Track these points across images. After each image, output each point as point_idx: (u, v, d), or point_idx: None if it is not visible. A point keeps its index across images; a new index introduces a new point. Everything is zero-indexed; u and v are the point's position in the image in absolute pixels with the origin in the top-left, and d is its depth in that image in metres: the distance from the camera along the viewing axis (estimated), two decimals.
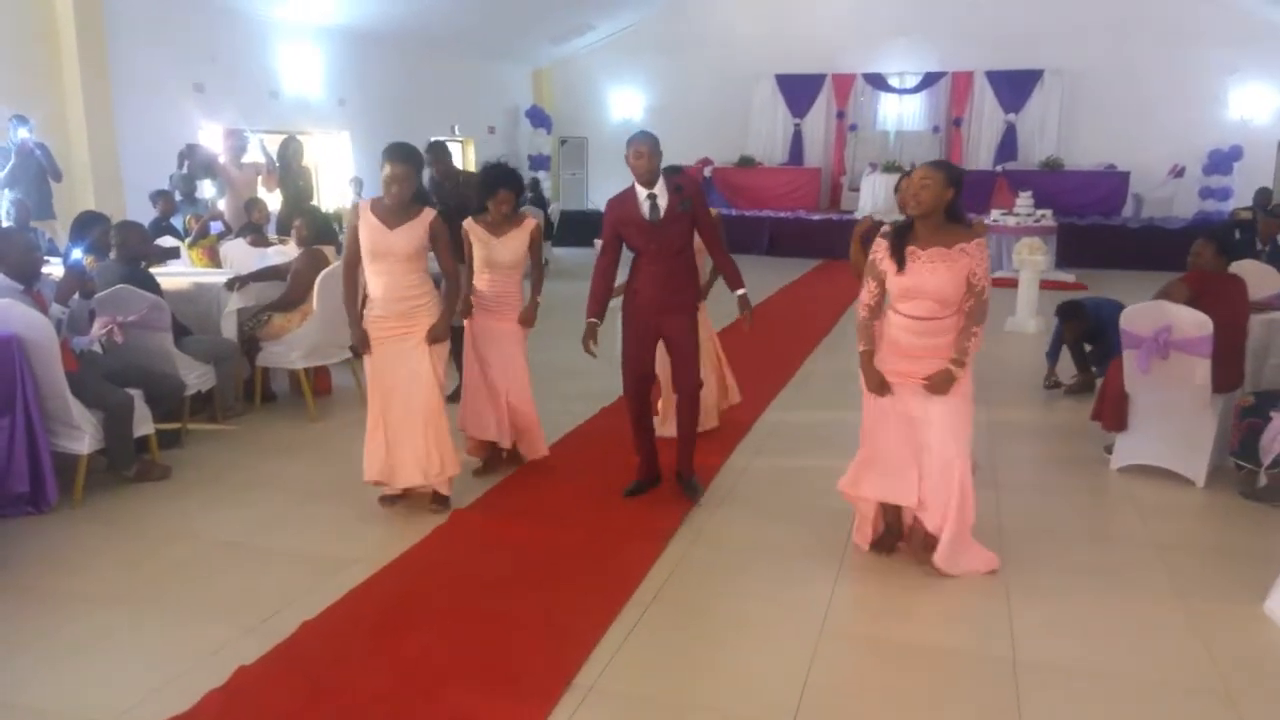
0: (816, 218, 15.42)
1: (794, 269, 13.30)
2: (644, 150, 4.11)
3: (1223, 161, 14.56)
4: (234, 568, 3.81)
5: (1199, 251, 4.92)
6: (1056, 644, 3.25)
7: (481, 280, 4.61)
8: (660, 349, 4.46)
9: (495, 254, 4.57)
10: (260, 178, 9.72)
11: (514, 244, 4.60)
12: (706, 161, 16.66)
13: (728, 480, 4.81)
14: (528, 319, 4.69)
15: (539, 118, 18.00)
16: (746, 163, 17.00)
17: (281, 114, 12.09)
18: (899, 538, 3.93)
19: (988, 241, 8.71)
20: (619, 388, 4.60)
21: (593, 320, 4.30)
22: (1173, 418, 4.74)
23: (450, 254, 4.20)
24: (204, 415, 5.68)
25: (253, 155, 10.24)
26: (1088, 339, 6.39)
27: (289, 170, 9.95)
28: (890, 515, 3.93)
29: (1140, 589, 3.66)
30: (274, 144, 9.57)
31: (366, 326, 4.15)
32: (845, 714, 2.86)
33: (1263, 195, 10.00)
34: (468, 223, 4.61)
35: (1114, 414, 4.97)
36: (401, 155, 4.00)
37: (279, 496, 4.59)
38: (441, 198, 6.03)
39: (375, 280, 4.08)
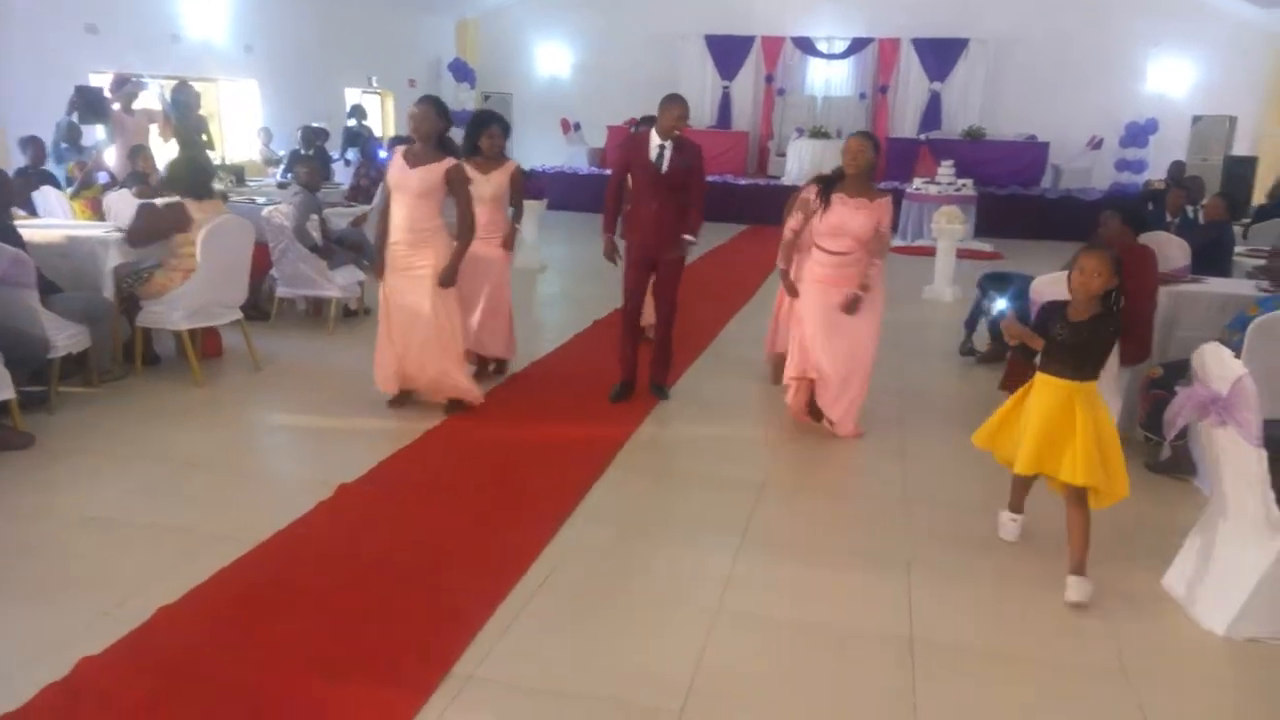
0: (743, 182, 15.27)
1: (719, 234, 13.14)
2: (678, 112, 5.02)
3: (1139, 134, 14.84)
4: (93, 546, 3.51)
5: (1105, 222, 4.89)
6: (955, 622, 3.18)
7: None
8: None
9: (481, 189, 5.28)
10: (155, 126, 9.18)
11: (497, 180, 5.42)
12: (634, 122, 16.29)
13: (632, 453, 4.65)
14: (508, 243, 5.53)
15: (462, 71, 17.44)
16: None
17: (183, 59, 11.42)
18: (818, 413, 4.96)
19: (910, 209, 8.43)
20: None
21: (608, 235, 5.29)
22: None
23: (466, 200, 4.77)
24: (79, 379, 5.29)
25: (147, 102, 9.66)
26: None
27: (185, 119, 9.41)
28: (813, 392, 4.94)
29: (1042, 564, 3.61)
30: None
31: (386, 252, 4.79)
32: (737, 699, 2.74)
33: (1177, 168, 10.16)
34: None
35: (1022, 384, 4.93)
36: (421, 99, 4.79)
37: (153, 466, 4.28)
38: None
39: (395, 211, 4.75)
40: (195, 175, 5.68)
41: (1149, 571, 3.51)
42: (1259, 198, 11.58)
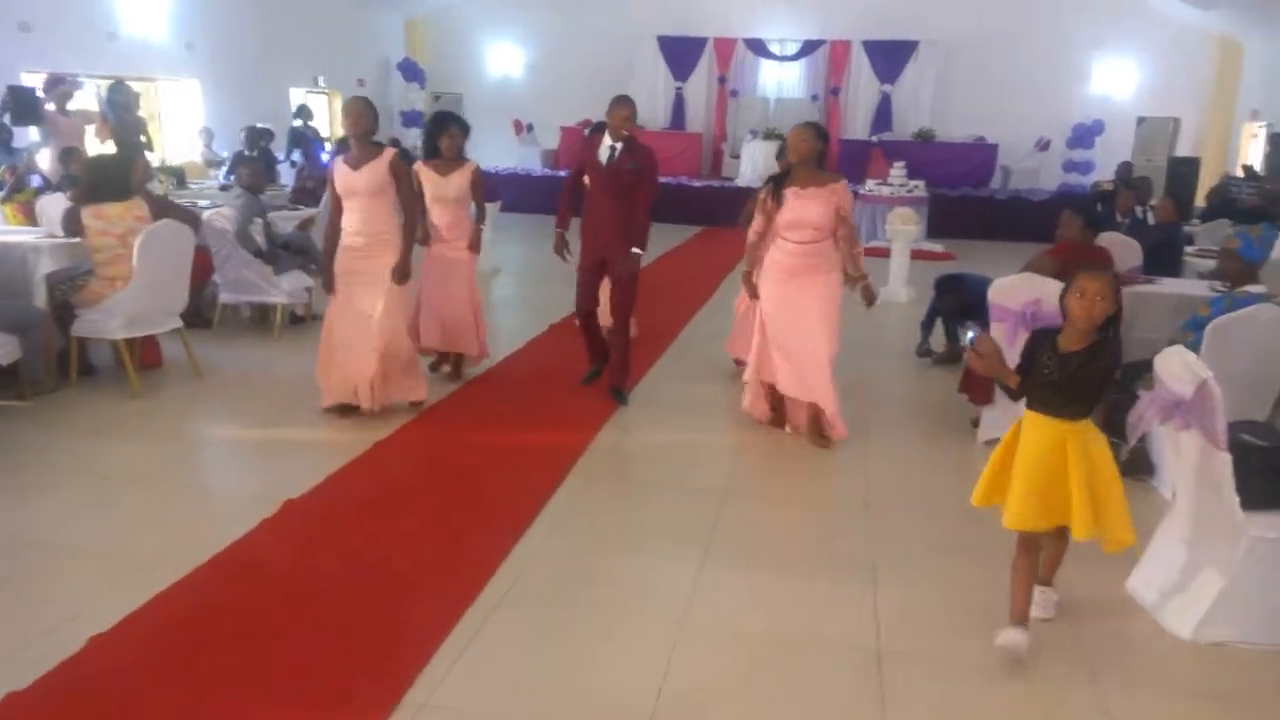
0: (698, 184, 15.22)
1: (674, 236, 13.06)
2: (624, 114, 5.10)
3: (1085, 135, 15.08)
4: (19, 570, 3.32)
5: (1066, 223, 4.90)
6: (923, 630, 3.12)
7: (433, 214, 5.33)
8: None
9: (442, 190, 5.33)
10: (92, 127, 8.87)
11: (458, 182, 5.40)
12: (587, 123, 16.15)
13: (592, 460, 4.54)
14: (474, 244, 5.53)
15: (412, 71, 17.16)
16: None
17: (121, 58, 11.05)
18: (782, 416, 4.95)
19: (864, 210, 8.42)
20: None
21: (560, 230, 5.36)
22: None
23: (410, 191, 4.83)
24: (10, 392, 5.03)
25: (83, 102, 9.34)
26: (964, 312, 6.39)
27: (122, 119, 9.10)
28: (774, 396, 4.92)
29: (1006, 568, 3.57)
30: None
31: (339, 254, 4.73)
32: (705, 717, 2.65)
33: (1125, 169, 10.32)
34: (418, 165, 5.41)
35: (981, 388, 4.92)
36: (352, 97, 4.86)
37: (86, 484, 4.07)
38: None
39: (349, 217, 4.71)
40: (95, 177, 5.31)
41: (1112, 574, 3.48)
42: (1201, 199, 11.81)
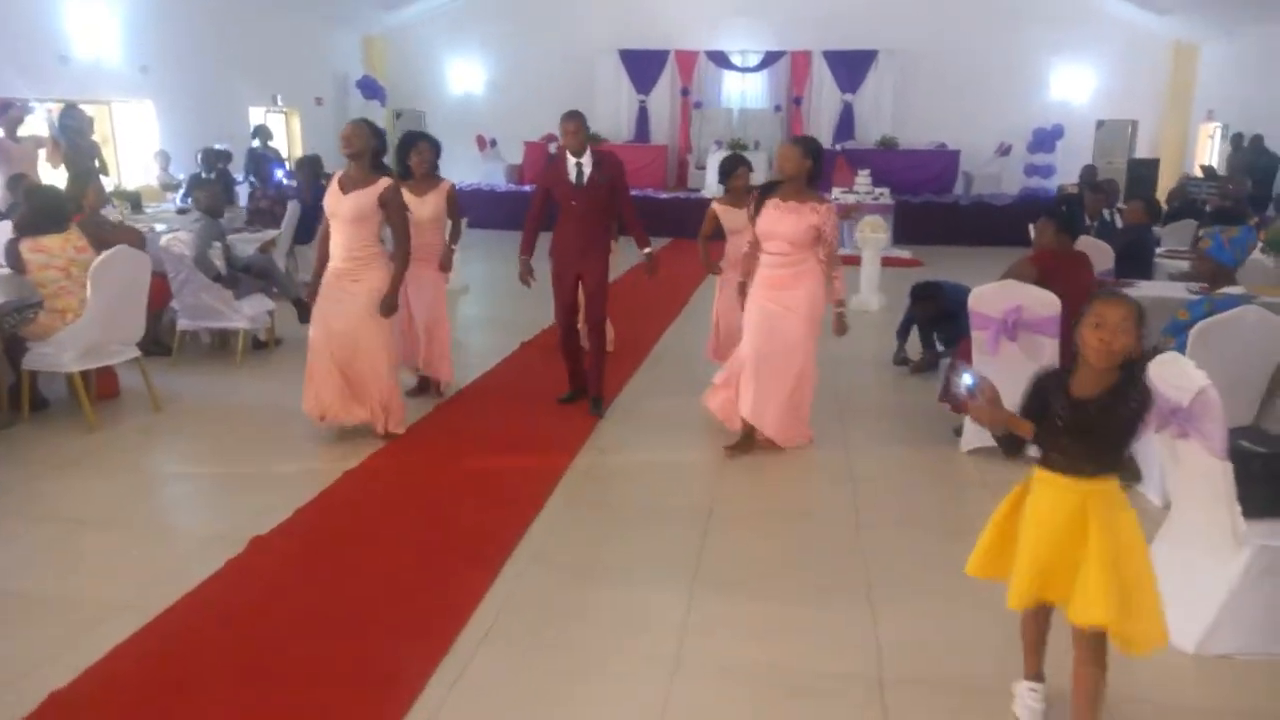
0: (664, 196, 15.15)
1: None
2: (571, 128, 5.08)
3: (1046, 140, 15.22)
4: None
5: (1041, 230, 4.85)
6: (926, 655, 3.02)
7: None
8: None
9: (419, 212, 5.28)
10: (43, 152, 8.60)
11: (433, 202, 5.43)
12: (551, 138, 16.05)
13: (572, 484, 4.41)
14: (445, 264, 5.57)
15: (371, 88, 16.94)
16: (593, 140, 16.46)
17: (73, 81, 10.73)
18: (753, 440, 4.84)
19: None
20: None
21: (524, 256, 5.28)
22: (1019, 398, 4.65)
23: (402, 222, 4.68)
24: None
25: (34, 127, 9.06)
26: (939, 320, 6.35)
27: (75, 144, 8.86)
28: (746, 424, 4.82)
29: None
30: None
31: (327, 273, 4.70)
32: None
33: (1089, 172, 10.38)
34: None
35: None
36: (354, 120, 4.74)
37: (40, 525, 3.87)
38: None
39: (333, 237, 4.67)
40: (31, 209, 5.08)
41: None
42: (1161, 200, 11.92)
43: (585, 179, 5.09)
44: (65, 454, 4.69)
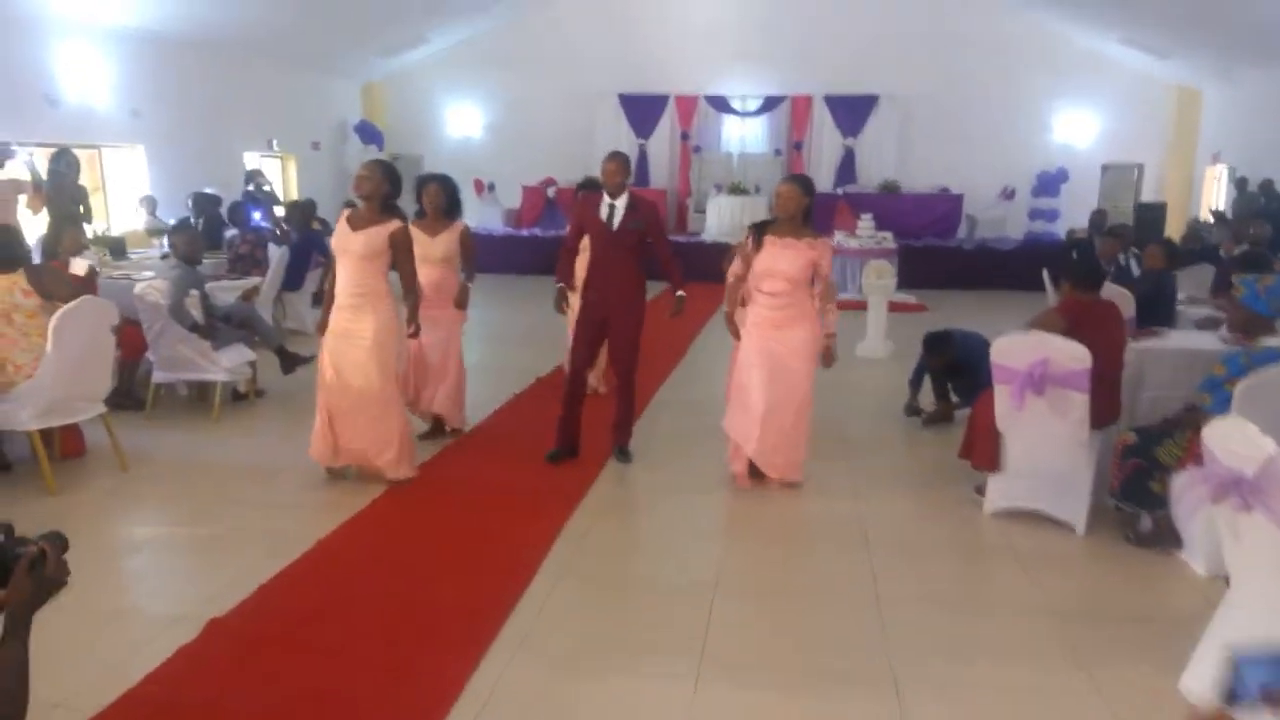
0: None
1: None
2: (610, 168, 4.94)
3: (1050, 183, 15.04)
4: None
5: (1064, 292, 4.56)
6: None
7: (420, 274, 4.94)
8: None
9: (430, 251, 5.29)
10: (24, 197, 8.35)
11: (446, 241, 5.42)
12: (550, 181, 15.95)
13: (564, 554, 4.06)
14: (461, 302, 5.49)
15: (369, 133, 16.82)
16: (591, 185, 16.34)
17: (61, 125, 10.54)
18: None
19: (833, 262, 7.92)
20: None
21: (561, 285, 5.15)
22: (1048, 457, 4.34)
23: (409, 264, 4.66)
24: None
25: (15, 171, 8.83)
26: (953, 371, 6.05)
27: (60, 188, 8.62)
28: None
29: (1042, 670, 3.15)
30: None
31: (334, 312, 4.66)
32: None
33: (1098, 217, 10.13)
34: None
35: (986, 452, 4.54)
36: (369, 161, 4.79)
37: None
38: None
39: (340, 274, 4.65)
40: (9, 248, 4.76)
41: (1159, 671, 3.07)
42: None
43: (618, 223, 4.97)
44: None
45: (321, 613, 3.46)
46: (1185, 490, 2.88)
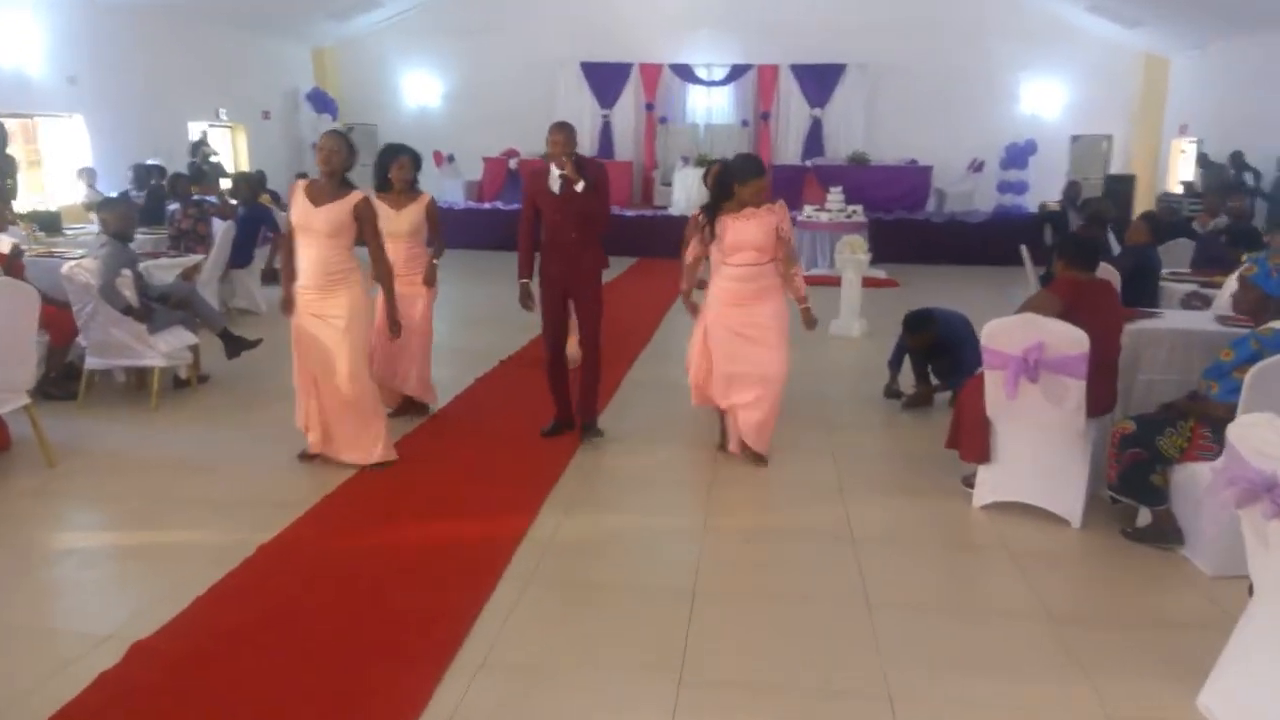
0: (630, 214, 14.54)
1: (611, 268, 12.35)
2: (559, 139, 4.76)
3: (1018, 156, 14.86)
4: None
5: (1059, 271, 4.31)
6: None
7: (388, 249, 4.75)
8: None
9: (397, 225, 5.13)
10: None
11: (412, 215, 5.23)
12: (512, 152, 15.48)
13: (529, 557, 3.76)
14: (429, 279, 5.37)
15: (322, 102, 16.23)
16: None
17: None
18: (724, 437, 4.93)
19: (802, 237, 7.67)
20: None
21: (523, 280, 4.99)
22: (1041, 447, 4.11)
23: (376, 237, 4.48)
24: None
25: None
26: (934, 352, 5.81)
27: None
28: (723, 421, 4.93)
29: (1044, 680, 2.92)
30: None
31: (298, 294, 4.46)
32: None
33: (1072, 189, 9.97)
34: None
35: (975, 443, 4.31)
36: (330, 132, 4.53)
37: None
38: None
39: (304, 253, 4.41)
40: None
41: (1177, 689, 2.85)
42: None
43: (568, 188, 4.82)
44: None
45: (256, 630, 3.12)
46: (1214, 492, 2.65)
